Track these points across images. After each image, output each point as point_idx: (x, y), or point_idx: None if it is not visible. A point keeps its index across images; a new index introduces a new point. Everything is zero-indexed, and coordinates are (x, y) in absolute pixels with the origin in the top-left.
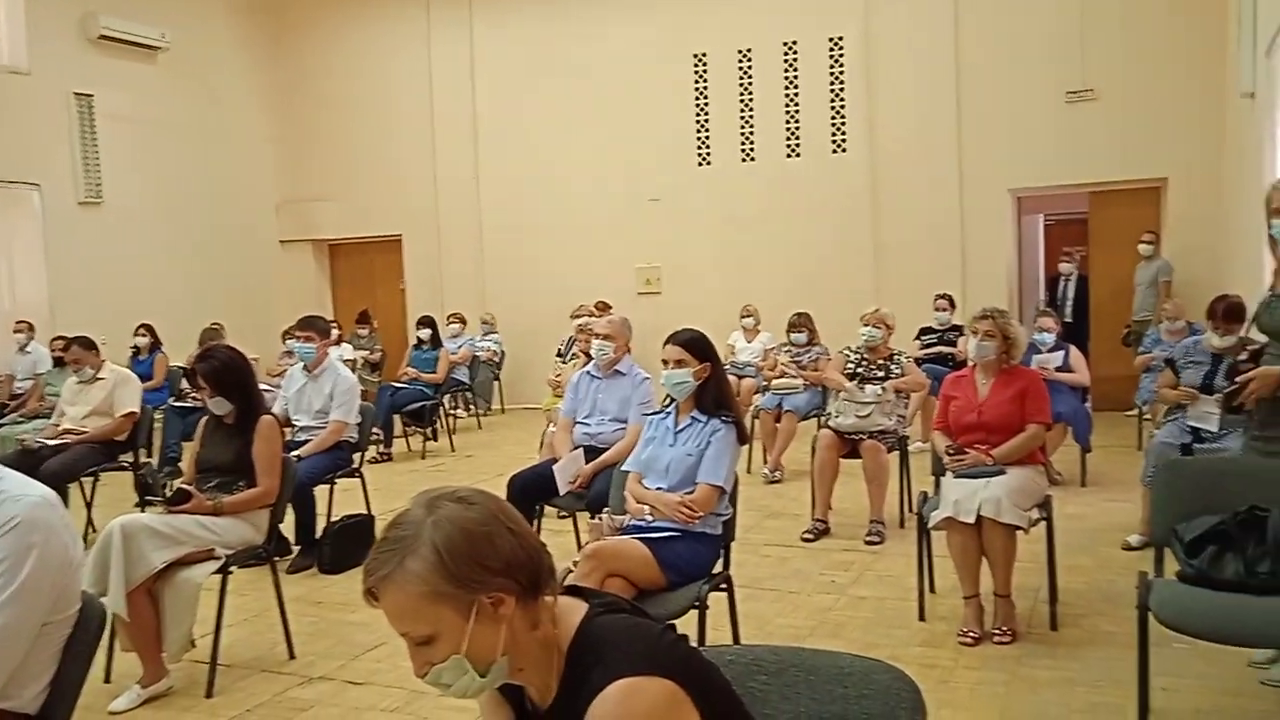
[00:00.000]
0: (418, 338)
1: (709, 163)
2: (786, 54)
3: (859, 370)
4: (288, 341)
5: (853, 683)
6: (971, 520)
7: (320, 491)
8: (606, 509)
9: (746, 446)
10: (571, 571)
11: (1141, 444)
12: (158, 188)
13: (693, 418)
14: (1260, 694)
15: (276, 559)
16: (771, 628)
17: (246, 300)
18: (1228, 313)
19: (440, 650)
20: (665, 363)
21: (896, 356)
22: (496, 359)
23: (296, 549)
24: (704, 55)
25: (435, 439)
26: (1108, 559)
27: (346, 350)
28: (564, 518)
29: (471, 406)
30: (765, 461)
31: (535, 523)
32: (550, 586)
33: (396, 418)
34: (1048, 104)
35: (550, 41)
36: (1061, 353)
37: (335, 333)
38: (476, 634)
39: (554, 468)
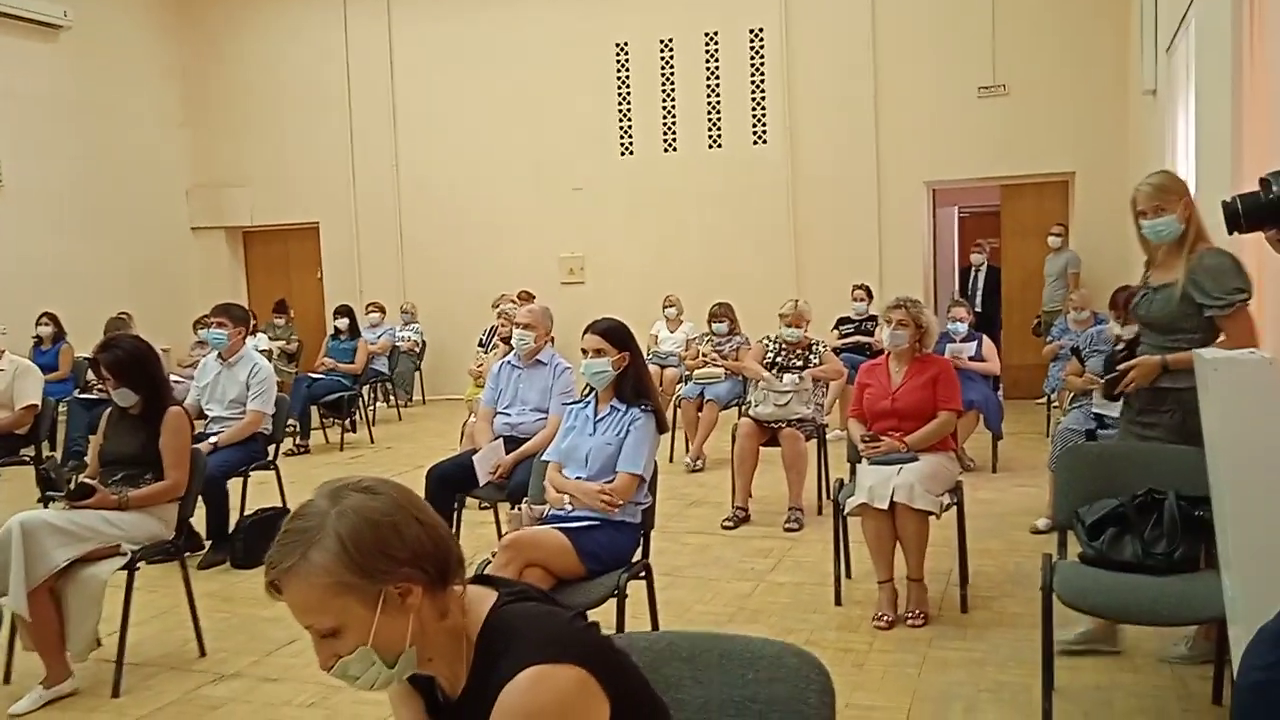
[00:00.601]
0: (335, 327)
1: (631, 152)
2: (708, 44)
3: (778, 359)
4: (200, 331)
5: (764, 666)
6: (885, 506)
7: (234, 485)
8: (526, 499)
9: (668, 435)
10: (490, 562)
11: (1050, 431)
12: (61, 171)
13: (612, 407)
14: (1157, 669)
15: (188, 554)
16: (691, 615)
17: (157, 288)
18: (1129, 303)
19: (347, 642)
20: (585, 352)
21: (815, 346)
22: (417, 349)
23: (208, 544)
24: (625, 45)
25: (354, 430)
26: (1017, 542)
27: (262, 340)
28: (485, 508)
29: (391, 397)
30: (687, 450)
31: (455, 514)
32: (458, 576)
33: (314, 409)
34: (962, 98)
35: (472, 27)
36: (974, 342)
37: (251, 322)
38: (383, 625)
39: (474, 458)
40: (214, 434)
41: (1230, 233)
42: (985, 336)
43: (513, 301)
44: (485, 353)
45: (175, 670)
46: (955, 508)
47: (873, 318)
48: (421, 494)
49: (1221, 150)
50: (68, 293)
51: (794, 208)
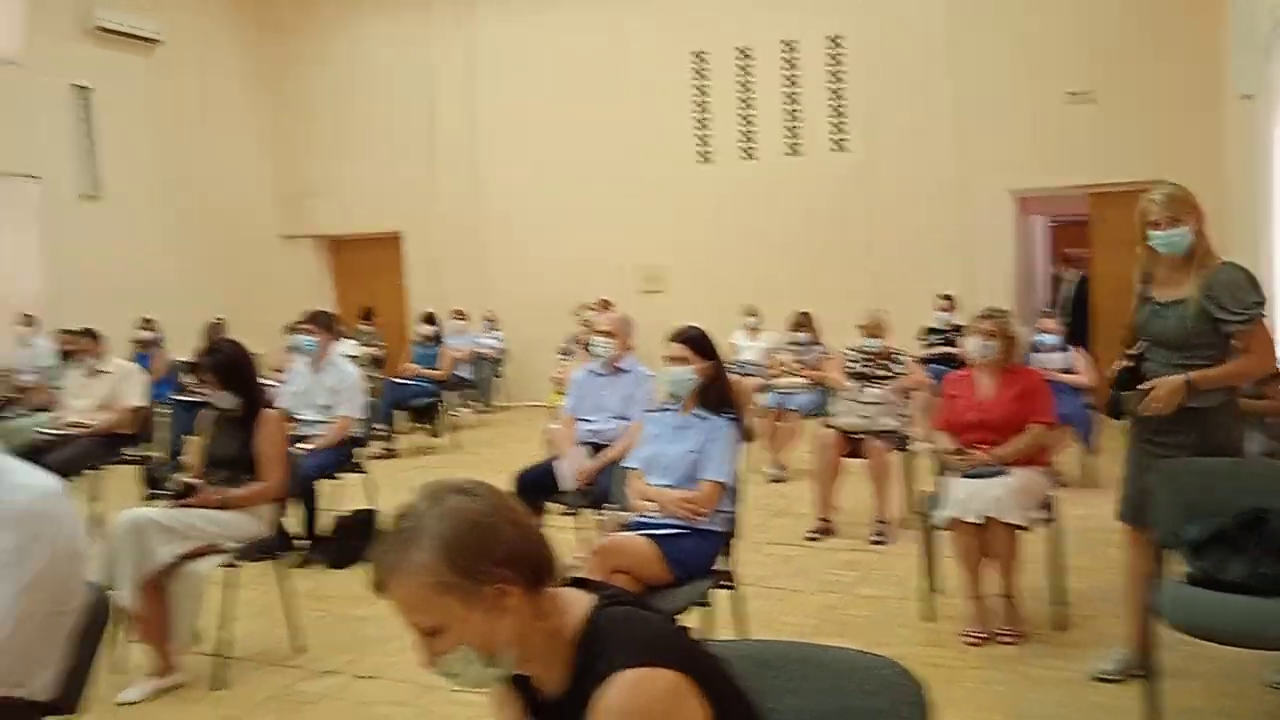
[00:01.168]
0: (420, 333)
1: (710, 160)
2: (785, 52)
3: (861, 370)
4: (291, 338)
5: (857, 678)
6: (976, 520)
7: (324, 487)
8: (610, 505)
9: (748, 445)
10: (577, 567)
11: None
12: (158, 181)
13: (695, 415)
14: (1263, 696)
15: (282, 554)
16: (775, 626)
17: (247, 295)
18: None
19: (447, 641)
20: (668, 360)
21: (898, 356)
22: (499, 356)
23: (301, 544)
24: (703, 54)
25: (438, 435)
26: (1112, 560)
27: (349, 346)
28: (568, 515)
29: (474, 403)
30: (769, 461)
31: (539, 520)
32: (554, 578)
33: (399, 413)
34: (1047, 104)
35: (552, 38)
36: (1062, 353)
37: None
38: (483, 625)
39: (556, 464)
40: (303, 437)
41: None
42: (1078, 348)
43: (592, 309)
44: (566, 360)
45: (273, 665)
46: (1049, 523)
47: (959, 327)
48: None
49: None
50: (162, 299)
51: (874, 215)
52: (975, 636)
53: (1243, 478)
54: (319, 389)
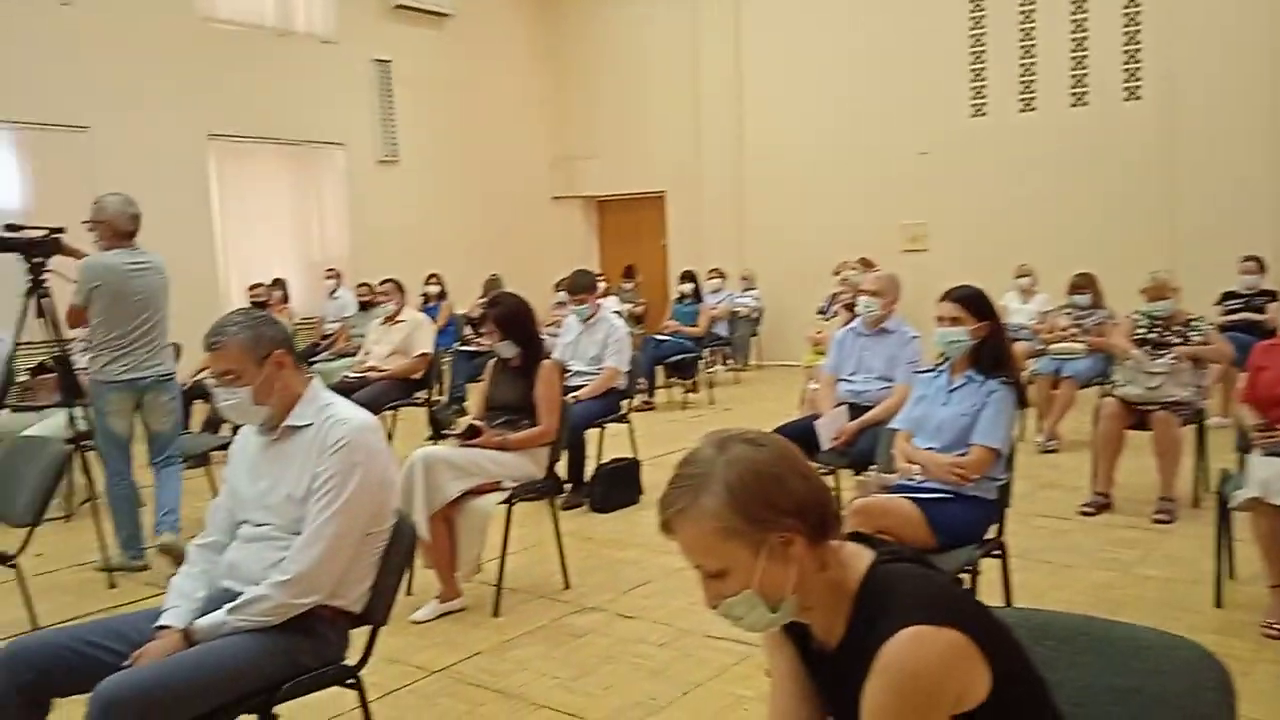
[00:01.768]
0: (680, 291)
1: (984, 114)
2: None
3: (1150, 336)
4: (564, 306)
5: (1150, 656)
6: None
7: (589, 435)
8: (873, 466)
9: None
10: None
11: None
12: (445, 147)
13: (968, 377)
14: None
15: (554, 495)
16: (1045, 600)
17: (520, 253)
18: None
19: (731, 584)
20: (940, 319)
21: (1195, 323)
22: (755, 315)
23: (568, 487)
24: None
25: (695, 391)
26: None
27: (613, 303)
28: (826, 474)
29: (729, 361)
30: (1040, 429)
31: None
32: (836, 530)
33: (659, 369)
34: None
35: None
36: None
37: (601, 285)
38: (767, 571)
39: (816, 424)
40: (575, 387)
41: None
42: None
43: (853, 268)
44: (826, 319)
45: (544, 598)
46: None
47: (1265, 293)
48: None
49: None
50: (446, 255)
51: (1170, 171)
52: (1276, 629)
53: None
54: (589, 343)
